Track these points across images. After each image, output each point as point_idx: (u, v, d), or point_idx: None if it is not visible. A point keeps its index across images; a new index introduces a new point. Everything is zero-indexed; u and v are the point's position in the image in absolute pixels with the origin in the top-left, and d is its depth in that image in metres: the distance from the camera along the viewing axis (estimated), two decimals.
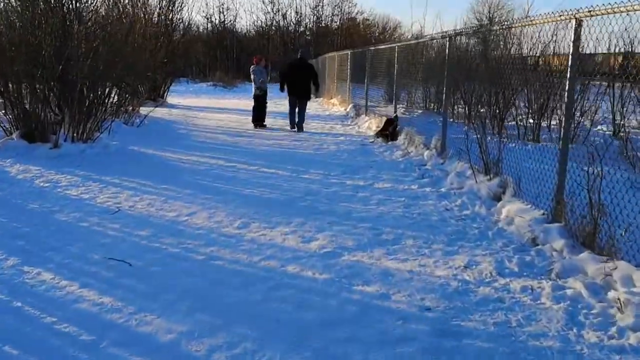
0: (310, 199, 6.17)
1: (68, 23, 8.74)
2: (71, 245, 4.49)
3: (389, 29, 58.95)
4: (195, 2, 51.18)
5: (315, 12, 52.57)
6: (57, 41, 8.31)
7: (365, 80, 14.38)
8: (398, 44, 10.66)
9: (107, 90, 10.67)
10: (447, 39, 7.58)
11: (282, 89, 12.83)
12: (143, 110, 13.50)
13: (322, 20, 53.28)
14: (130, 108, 13.02)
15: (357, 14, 54.90)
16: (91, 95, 9.15)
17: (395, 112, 11.03)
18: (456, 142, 7.72)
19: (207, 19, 51.14)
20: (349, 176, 7.39)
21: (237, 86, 35.90)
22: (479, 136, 6.51)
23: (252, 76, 13.31)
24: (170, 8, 18.51)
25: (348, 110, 15.95)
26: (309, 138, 11.14)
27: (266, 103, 13.27)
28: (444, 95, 7.91)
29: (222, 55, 49.48)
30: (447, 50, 7.65)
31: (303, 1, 53.39)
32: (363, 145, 10.23)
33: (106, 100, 10.36)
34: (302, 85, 12.43)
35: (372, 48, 13.39)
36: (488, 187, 5.80)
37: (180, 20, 19.31)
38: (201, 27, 52.07)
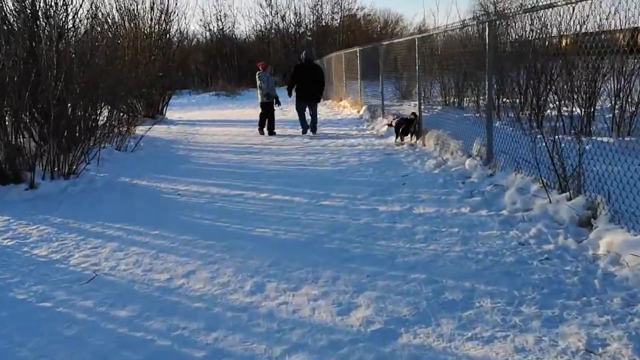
0: (338, 237, 4.88)
1: (34, 44, 7.53)
2: (21, 347, 3.23)
3: (390, 23, 57.65)
4: (191, 11, 49.78)
5: (315, 11, 51.26)
6: (21, 65, 7.07)
7: (380, 78, 13.07)
8: (418, 36, 9.32)
9: (92, 113, 9.54)
10: (487, 23, 6.25)
11: (290, 94, 12.18)
12: (140, 130, 12.31)
13: (322, 19, 51.98)
14: (125, 129, 11.84)
15: (357, 10, 53.51)
16: (72, 122, 7.93)
17: (419, 110, 9.69)
18: (506, 146, 6.39)
19: (205, 27, 50.05)
20: (380, 198, 6.09)
21: (241, 94, 34.74)
22: (546, 138, 5.17)
23: (258, 82, 12.47)
24: (163, 19, 17.29)
25: (362, 112, 14.64)
26: (324, 150, 9.84)
27: (274, 110, 12.45)
28: (486, 89, 6.56)
29: (223, 64, 48.29)
30: (487, 37, 6.32)
31: (301, 1, 51.77)
32: (387, 154, 8.92)
33: (92, 125, 9.18)
34: (312, 89, 11.93)
35: (386, 43, 12.09)
36: (570, 209, 4.46)
37: (177, 31, 18.01)
38: (200, 36, 51.05)
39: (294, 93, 12.07)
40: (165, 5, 17.34)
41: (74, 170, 7.74)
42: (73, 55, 8.16)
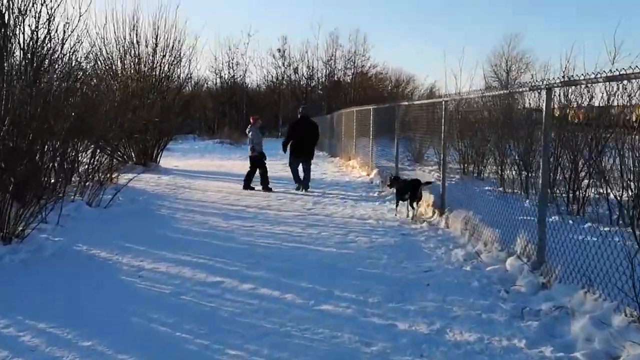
0: None
1: None
2: None
3: (402, 83, 57.32)
4: (202, 57, 49.69)
5: (328, 65, 50.99)
6: None
7: (396, 140, 11.76)
8: (445, 99, 8.04)
9: (61, 160, 8.26)
10: (545, 90, 4.90)
11: (285, 150, 12.23)
12: (126, 179, 10.95)
13: (334, 74, 51.63)
14: (106, 177, 10.51)
15: (370, 67, 53.23)
16: (26, 170, 6.56)
17: (443, 178, 8.33)
18: (567, 248, 4.93)
19: (217, 74, 49.64)
20: (399, 306, 4.60)
21: (246, 142, 33.57)
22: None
23: (251, 136, 12.21)
24: (166, 61, 16.25)
25: (372, 176, 13.28)
26: (329, 221, 8.41)
27: (265, 164, 11.99)
28: (541, 169, 5.13)
29: (231, 111, 47.69)
30: (544, 104, 4.96)
31: (315, 55, 51.43)
32: (404, 235, 7.47)
33: (60, 174, 7.87)
34: (308, 147, 11.96)
35: (405, 103, 10.84)
36: None
37: (182, 76, 16.94)
38: (210, 82, 50.63)
39: (288, 149, 12.10)
40: (170, 49, 16.33)
41: (19, 233, 6.30)
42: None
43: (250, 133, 12.24)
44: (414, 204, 8.60)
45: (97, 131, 10.27)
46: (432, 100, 9.40)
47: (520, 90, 5.51)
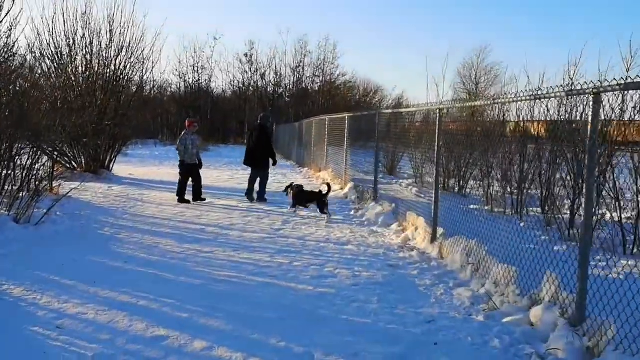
0: None
1: None
2: None
3: (370, 92, 56.66)
4: (165, 59, 47.81)
5: (296, 72, 49.85)
6: None
7: (375, 152, 10.63)
8: (440, 107, 6.93)
9: None
10: (593, 95, 3.80)
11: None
12: (70, 188, 9.51)
13: (302, 82, 50.54)
14: (43, 185, 9.07)
15: (338, 76, 52.35)
16: None
17: (435, 197, 7.23)
18: (614, 298, 3.82)
19: (181, 77, 47.93)
20: None
21: (209, 150, 32.11)
22: None
23: (189, 142, 10.92)
24: (121, 59, 14.75)
25: (347, 191, 12.11)
26: (302, 246, 7.19)
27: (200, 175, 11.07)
28: (585, 196, 3.99)
29: (195, 117, 45.96)
30: (589, 116, 3.86)
31: (283, 61, 50.24)
32: (392, 265, 6.30)
33: None
34: (255, 154, 11.49)
35: (388, 111, 9.72)
36: None
37: (134, 75, 15.42)
38: (174, 86, 48.88)
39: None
40: (127, 45, 14.85)
41: None
42: None
43: (188, 139, 10.90)
44: (325, 210, 9.29)
45: (35, 129, 8.86)
46: (424, 108, 8.27)
47: (555, 96, 4.38)
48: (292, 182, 10.62)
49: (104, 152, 14.77)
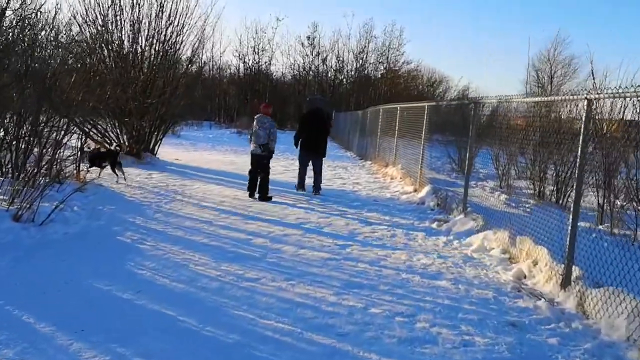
0: None
1: None
2: None
3: (434, 82, 53.98)
4: (224, 39, 46.85)
5: (359, 58, 47.72)
6: None
7: (468, 149, 8.58)
8: (593, 96, 4.82)
9: None
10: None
11: (297, 144, 10.68)
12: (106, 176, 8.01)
13: (365, 69, 48.37)
14: (62, 170, 7.61)
15: (403, 63, 49.92)
16: None
17: (572, 212, 5.19)
18: None
19: (241, 59, 46.66)
20: None
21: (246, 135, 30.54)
22: None
23: (255, 129, 9.46)
24: (172, 30, 13.13)
25: (423, 195, 10.09)
26: (377, 278, 5.29)
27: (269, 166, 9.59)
28: None
29: (253, 100, 44.67)
30: None
31: (346, 46, 48.22)
32: (514, 326, 4.30)
33: None
34: (317, 142, 10.47)
35: (492, 100, 7.62)
36: None
37: (186, 49, 13.76)
38: (233, 68, 47.71)
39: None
40: (179, 16, 13.23)
41: None
42: None
43: (266, 124, 9.37)
44: (116, 170, 9.59)
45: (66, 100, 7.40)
46: (560, 98, 6.13)
47: None
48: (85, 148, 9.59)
49: (149, 134, 13.27)
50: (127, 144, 12.63)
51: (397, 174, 13.12)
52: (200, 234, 6.53)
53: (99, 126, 12.59)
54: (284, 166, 14.49)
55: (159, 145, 13.75)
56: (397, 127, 13.94)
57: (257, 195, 9.30)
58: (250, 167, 9.60)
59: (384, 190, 11.55)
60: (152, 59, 12.75)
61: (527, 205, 10.13)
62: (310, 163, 10.46)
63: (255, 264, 5.44)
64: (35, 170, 6.95)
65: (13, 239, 5.42)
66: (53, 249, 5.34)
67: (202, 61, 31.29)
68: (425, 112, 10.98)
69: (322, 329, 3.95)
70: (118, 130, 12.79)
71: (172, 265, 5.17)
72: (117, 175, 9.67)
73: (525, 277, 5.47)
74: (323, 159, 10.63)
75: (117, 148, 9.03)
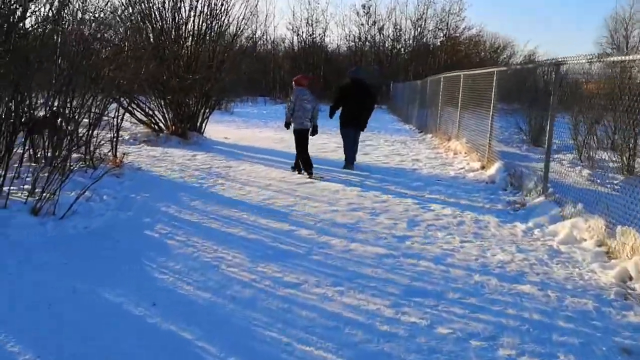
0: None
1: None
2: None
3: (498, 48, 51.24)
4: (275, 13, 46.07)
5: (417, 26, 45.72)
6: None
7: (549, 127, 7.37)
8: None
9: None
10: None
11: (331, 116, 10.16)
12: (144, 156, 7.39)
13: (423, 36, 46.34)
14: (96, 150, 7.05)
15: (464, 29, 47.52)
16: None
17: None
18: None
19: (294, 31, 45.65)
20: None
21: (320, 110, 29.69)
22: None
23: (299, 103, 8.82)
24: (214, 6, 12.30)
25: (492, 172, 8.97)
26: (446, 281, 4.34)
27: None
28: None
29: (308, 73, 43.73)
30: None
31: (403, 13, 46.46)
32: (629, 353, 3.30)
33: None
34: (360, 115, 9.93)
35: (581, 60, 6.38)
36: None
37: (228, 25, 12.86)
38: (287, 42, 46.82)
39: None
40: None
41: None
42: None
43: (309, 96, 8.92)
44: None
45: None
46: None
47: None
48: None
49: (196, 112, 12.62)
50: (170, 123, 12.03)
51: (462, 148, 11.96)
52: (239, 225, 5.75)
53: (144, 105, 12.03)
54: (338, 143, 13.54)
55: (206, 124, 13.08)
56: (460, 97, 12.71)
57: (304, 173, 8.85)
58: (296, 146, 8.99)
59: (447, 167, 10.46)
60: (195, 32, 12.00)
61: (615, 182, 8.86)
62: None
63: (297, 263, 4.61)
64: (66, 154, 6.37)
65: (26, 236, 4.80)
66: (65, 249, 4.66)
67: (253, 34, 30.68)
68: (494, 78, 9.75)
69: (377, 357, 3.08)
70: (164, 110, 12.19)
71: (199, 267, 4.40)
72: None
73: (631, 278, 4.39)
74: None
75: (55, 111, 7.38)
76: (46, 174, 5.55)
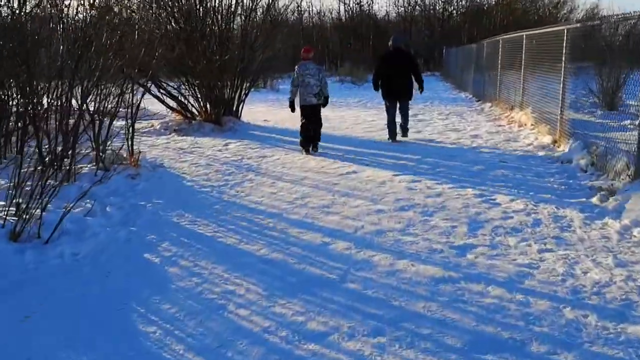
0: None
1: None
2: None
3: (558, 3, 47.73)
4: None
5: None
6: None
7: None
8: None
9: None
10: None
11: (376, 88, 9.53)
12: (173, 148, 6.57)
13: None
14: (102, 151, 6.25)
15: None
16: None
17: None
18: None
19: (341, 1, 43.99)
20: None
21: (369, 81, 28.29)
22: None
23: (302, 78, 8.35)
24: None
25: (568, 149, 7.59)
26: (507, 308, 3.20)
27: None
28: None
29: (357, 44, 42.06)
30: None
31: None
32: None
33: None
34: (401, 84, 9.24)
35: None
36: None
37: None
38: (334, 12, 45.24)
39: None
40: None
41: None
42: None
43: (312, 70, 8.36)
44: None
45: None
46: None
47: None
48: None
49: (231, 95, 11.68)
50: (203, 109, 11.13)
51: (527, 119, 10.52)
52: (262, 238, 4.75)
53: (176, 90, 11.19)
54: (373, 118, 12.37)
55: (242, 107, 12.12)
56: (523, 61, 11.19)
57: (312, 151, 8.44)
58: (303, 121, 8.55)
59: (512, 143, 9.10)
60: (224, 7, 10.98)
61: None
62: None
63: (327, 297, 3.57)
64: (61, 155, 5.54)
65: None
66: (41, 290, 3.79)
67: (298, 6, 29.20)
68: (565, 37, 8.28)
69: None
70: (197, 95, 11.30)
71: (200, 311, 3.43)
72: None
73: None
74: (409, 101, 9.56)
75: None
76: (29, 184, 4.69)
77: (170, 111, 11.44)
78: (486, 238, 4.63)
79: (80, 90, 6.26)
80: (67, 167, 5.84)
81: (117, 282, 3.90)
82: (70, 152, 5.92)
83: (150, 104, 11.84)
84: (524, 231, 4.78)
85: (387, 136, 9.50)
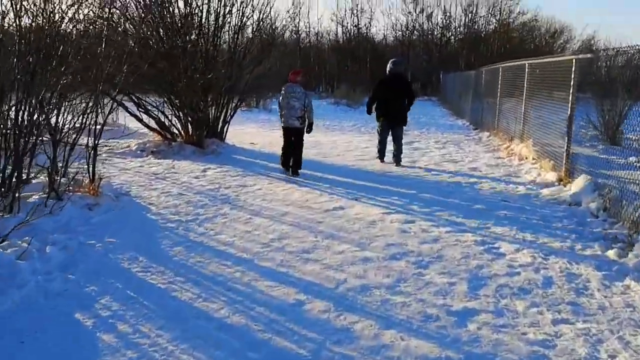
0: None
1: None
2: None
3: (555, 33, 47.65)
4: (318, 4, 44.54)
5: (468, 12, 42.92)
6: None
7: None
8: None
9: None
10: None
11: (369, 112, 9.67)
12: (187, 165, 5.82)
13: (475, 23, 43.47)
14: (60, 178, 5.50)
15: (518, 14, 44.34)
16: None
17: None
18: None
19: (339, 22, 43.69)
20: None
21: (364, 104, 27.71)
22: None
23: (287, 100, 8.28)
24: None
25: (576, 191, 6.90)
26: None
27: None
28: None
29: (355, 66, 41.66)
30: None
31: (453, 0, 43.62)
32: None
33: None
34: (396, 108, 9.23)
35: None
36: None
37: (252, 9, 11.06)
38: (331, 34, 44.89)
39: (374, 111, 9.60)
40: None
41: None
42: None
43: (298, 94, 8.26)
44: None
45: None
46: None
47: None
48: None
49: (216, 116, 10.99)
50: (184, 130, 10.43)
51: (529, 152, 9.86)
52: (224, 293, 4.00)
53: (154, 109, 10.49)
54: (367, 145, 11.70)
55: (227, 128, 11.41)
56: (525, 90, 10.57)
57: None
58: (283, 144, 8.62)
59: (512, 179, 8.42)
60: (211, 23, 10.32)
61: None
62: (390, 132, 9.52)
63: None
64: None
65: None
66: None
67: (295, 27, 28.75)
68: (573, 68, 7.65)
69: None
70: (178, 115, 10.60)
71: None
72: None
73: None
74: (404, 127, 9.62)
75: None
76: None
77: (150, 131, 10.72)
78: (490, 301, 3.91)
79: (35, 105, 5.54)
80: (11, 195, 5.08)
81: (29, 357, 3.13)
82: (15, 177, 5.17)
83: (130, 121, 11.16)
84: (534, 292, 4.07)
85: (376, 155, 9.71)
